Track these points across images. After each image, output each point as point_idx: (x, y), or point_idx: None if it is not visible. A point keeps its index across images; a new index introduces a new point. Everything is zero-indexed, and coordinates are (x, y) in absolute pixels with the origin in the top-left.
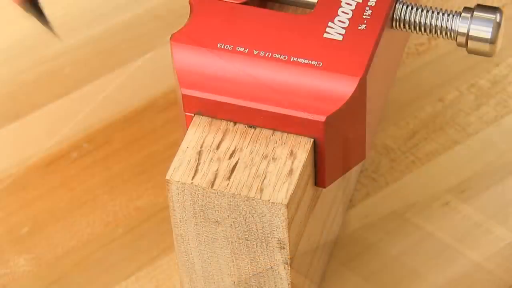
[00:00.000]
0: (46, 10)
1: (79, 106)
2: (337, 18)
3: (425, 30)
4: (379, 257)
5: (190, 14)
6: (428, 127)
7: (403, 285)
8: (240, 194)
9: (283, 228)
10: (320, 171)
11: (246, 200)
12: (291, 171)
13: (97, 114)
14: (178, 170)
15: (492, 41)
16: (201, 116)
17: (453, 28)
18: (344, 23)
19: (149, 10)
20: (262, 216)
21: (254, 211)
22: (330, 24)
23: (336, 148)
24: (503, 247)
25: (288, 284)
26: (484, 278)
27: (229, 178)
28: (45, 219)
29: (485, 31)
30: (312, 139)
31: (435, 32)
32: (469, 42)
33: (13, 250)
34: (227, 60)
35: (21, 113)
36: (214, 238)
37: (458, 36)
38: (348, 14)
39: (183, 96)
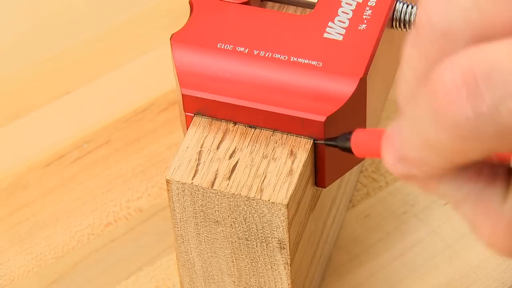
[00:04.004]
0: (46, 10)
1: (79, 106)
2: (337, 18)
3: None
4: (379, 257)
5: (190, 14)
6: None
7: (403, 285)
8: (240, 194)
9: (283, 228)
10: (320, 171)
11: (246, 200)
12: (291, 171)
13: (97, 114)
14: (178, 170)
15: None
16: (201, 116)
17: None
18: (344, 23)
19: (149, 10)
20: (262, 216)
21: (254, 211)
22: (330, 24)
23: (336, 148)
24: None
25: (288, 284)
26: (483, 278)
27: (229, 178)
28: (45, 219)
29: None
30: (312, 139)
31: None
32: None
33: (13, 250)
34: (227, 60)
35: (21, 113)
36: (214, 238)
37: None
38: (348, 14)
39: (183, 96)
